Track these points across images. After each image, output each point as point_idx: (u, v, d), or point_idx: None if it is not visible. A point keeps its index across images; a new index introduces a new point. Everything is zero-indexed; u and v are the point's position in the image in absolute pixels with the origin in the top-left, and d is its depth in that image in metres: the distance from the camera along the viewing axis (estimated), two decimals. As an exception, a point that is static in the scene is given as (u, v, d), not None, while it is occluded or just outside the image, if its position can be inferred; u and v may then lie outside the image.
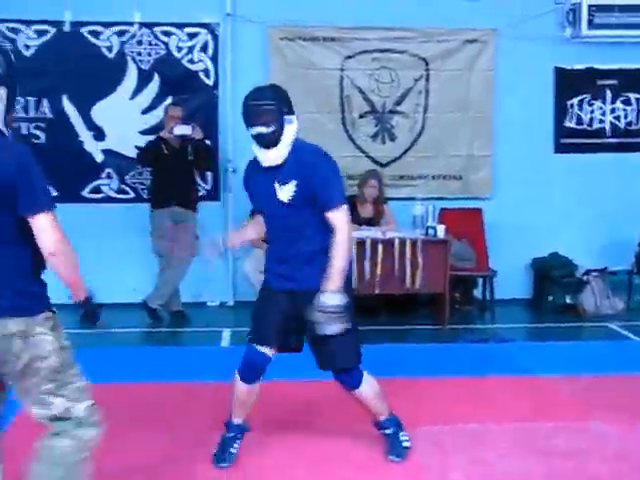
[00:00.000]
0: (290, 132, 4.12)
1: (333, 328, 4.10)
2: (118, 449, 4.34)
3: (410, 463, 4.56)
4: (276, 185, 4.14)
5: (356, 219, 8.11)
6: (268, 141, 4.07)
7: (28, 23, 8.39)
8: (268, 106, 4.08)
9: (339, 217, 4.12)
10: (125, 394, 5.63)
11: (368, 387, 4.52)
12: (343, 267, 4.11)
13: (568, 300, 8.70)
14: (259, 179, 4.27)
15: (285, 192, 4.12)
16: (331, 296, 4.05)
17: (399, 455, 4.60)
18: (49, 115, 8.49)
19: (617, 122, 9.27)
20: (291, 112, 4.16)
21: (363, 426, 4.71)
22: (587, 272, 8.75)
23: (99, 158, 8.59)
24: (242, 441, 4.58)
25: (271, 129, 4.05)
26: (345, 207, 4.17)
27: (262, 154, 4.15)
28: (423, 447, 4.75)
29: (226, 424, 4.60)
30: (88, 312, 3.45)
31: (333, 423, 5.08)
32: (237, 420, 4.59)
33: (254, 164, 4.29)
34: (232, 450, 4.55)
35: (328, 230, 4.13)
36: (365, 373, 4.52)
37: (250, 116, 4.10)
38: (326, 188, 4.11)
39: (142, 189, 8.62)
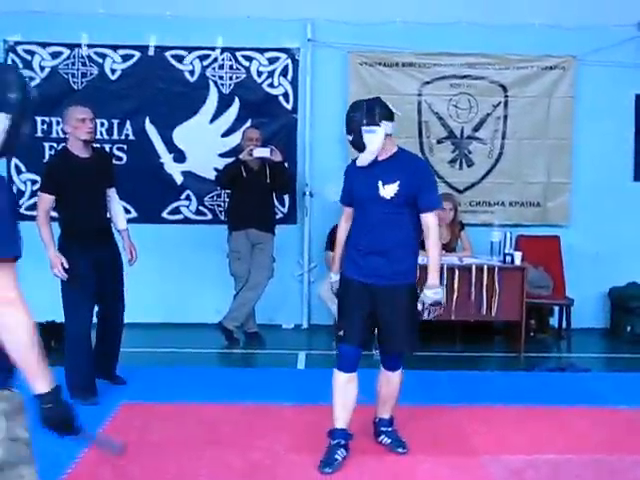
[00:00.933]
0: (374, 140, 4.66)
1: (431, 316, 4.79)
2: (192, 469, 4.37)
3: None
4: (380, 183, 4.70)
5: None
6: (353, 146, 4.77)
7: (115, 48, 8.58)
8: (351, 118, 4.72)
9: (433, 219, 4.75)
10: (201, 414, 5.68)
11: (401, 376, 5.07)
12: (439, 264, 4.80)
13: None
14: (361, 176, 4.86)
15: (388, 190, 4.68)
16: (434, 290, 4.74)
17: (405, 447, 5.07)
18: (131, 137, 8.64)
19: None
20: (373, 123, 4.66)
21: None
22: None
23: (179, 180, 8.71)
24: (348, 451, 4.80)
25: (351, 137, 4.72)
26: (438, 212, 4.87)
27: (359, 156, 4.82)
28: (504, 476, 4.76)
29: (330, 432, 4.82)
30: (52, 416, 2.44)
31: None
32: (340, 425, 4.81)
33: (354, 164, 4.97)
34: (337, 457, 4.75)
35: (416, 229, 4.78)
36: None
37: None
38: (428, 190, 4.77)
39: (220, 211, 8.72)
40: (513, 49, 8.79)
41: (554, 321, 8.82)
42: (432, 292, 4.73)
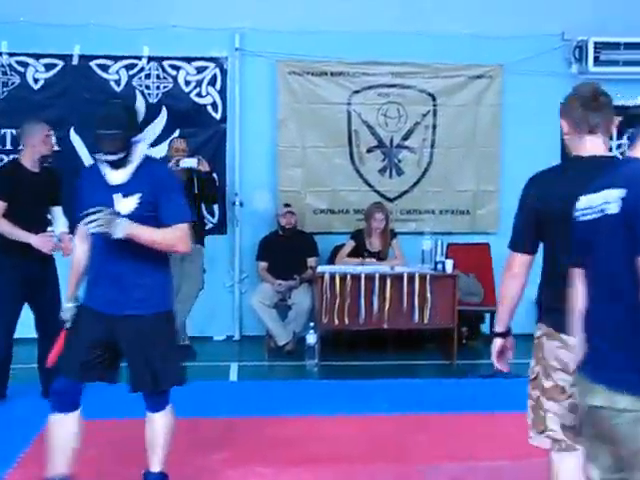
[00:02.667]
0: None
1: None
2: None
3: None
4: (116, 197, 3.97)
5: (363, 253, 8.13)
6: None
7: (37, 57, 8.39)
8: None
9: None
10: (133, 431, 5.51)
11: (168, 419, 4.22)
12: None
13: None
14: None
15: (126, 204, 3.95)
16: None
17: None
18: (56, 147, 8.37)
19: (622, 157, 9.16)
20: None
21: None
22: None
23: (106, 190, 8.49)
24: None
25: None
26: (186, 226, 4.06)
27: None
28: None
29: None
30: None
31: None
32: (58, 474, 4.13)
33: None
34: None
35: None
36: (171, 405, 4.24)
37: None
38: (169, 201, 4.02)
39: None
40: (441, 58, 8.80)
41: (486, 328, 8.79)
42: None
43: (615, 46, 8.82)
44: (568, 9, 8.79)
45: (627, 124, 9.14)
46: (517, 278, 3.57)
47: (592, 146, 3.42)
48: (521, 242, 3.57)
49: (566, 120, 3.48)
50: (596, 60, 8.80)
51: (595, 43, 8.76)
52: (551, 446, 3.58)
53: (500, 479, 4.86)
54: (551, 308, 3.40)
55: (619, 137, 9.15)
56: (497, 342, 3.78)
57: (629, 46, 8.84)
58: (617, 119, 3.60)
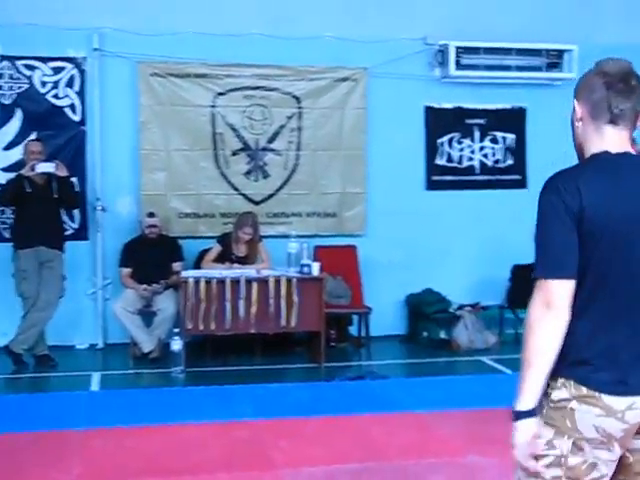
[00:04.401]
0: None
1: None
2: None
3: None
4: None
5: (229, 257, 8.04)
6: None
7: None
8: None
9: None
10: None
11: None
12: None
13: (442, 335, 8.73)
14: None
15: None
16: None
17: None
18: None
19: (485, 160, 9.48)
20: None
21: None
22: (460, 307, 8.85)
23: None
24: None
25: None
26: None
27: None
28: None
29: None
30: None
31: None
32: None
33: None
34: None
35: None
36: None
37: None
38: None
39: (4, 228, 8.23)
40: (305, 61, 8.83)
41: (354, 330, 8.89)
42: None
43: (475, 50, 9.05)
44: (430, 14, 9.00)
45: (489, 127, 9.47)
46: (561, 316, 2.47)
47: (614, 140, 2.59)
48: (564, 263, 2.49)
49: (581, 103, 2.62)
50: (457, 64, 9.01)
51: (456, 48, 8.96)
52: None
53: None
54: (583, 359, 2.52)
55: (481, 140, 9.41)
56: (529, 427, 2.52)
57: (488, 51, 9.08)
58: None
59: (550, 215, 2.50)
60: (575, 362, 2.50)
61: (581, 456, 2.50)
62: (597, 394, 2.46)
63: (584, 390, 2.48)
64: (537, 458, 2.52)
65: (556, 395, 2.52)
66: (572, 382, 2.50)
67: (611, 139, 2.57)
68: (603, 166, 2.54)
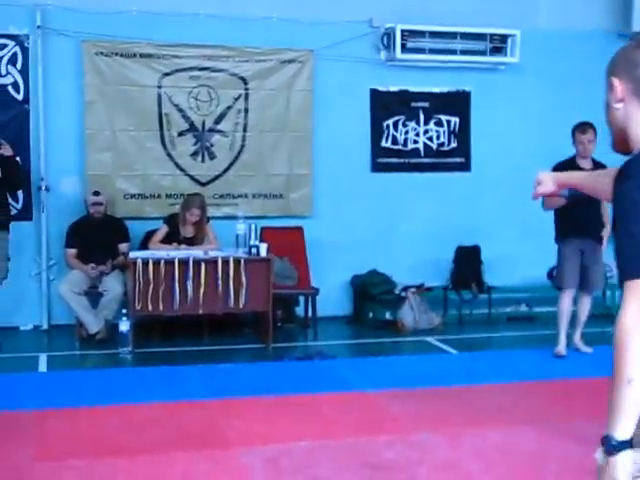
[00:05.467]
0: None
1: None
2: None
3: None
4: None
5: (177, 238, 8.01)
6: None
7: None
8: None
9: None
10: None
11: None
12: None
13: (388, 316, 8.81)
14: None
15: None
16: None
17: None
18: None
19: (430, 143, 9.55)
20: None
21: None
22: (405, 288, 8.89)
23: None
24: None
25: None
26: None
27: None
28: (259, 465, 4.76)
29: None
30: None
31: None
32: None
33: None
34: None
35: None
36: None
37: None
38: None
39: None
40: (252, 42, 8.82)
41: (300, 310, 8.94)
42: None
43: (421, 34, 9.09)
44: None
45: (434, 110, 9.55)
46: None
47: None
48: None
49: (623, 80, 2.29)
50: (403, 47, 9.06)
51: (402, 31, 8.99)
52: None
53: (315, 459, 4.86)
54: None
55: (426, 123, 9.48)
56: (630, 458, 2.11)
57: (433, 34, 9.14)
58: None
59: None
60: None
61: None
62: None
63: None
64: None
65: (616, 467, 2.09)
66: None
67: None
68: None
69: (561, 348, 7.33)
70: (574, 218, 7.09)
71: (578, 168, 6.54)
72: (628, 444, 2.06)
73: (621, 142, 2.32)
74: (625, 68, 2.27)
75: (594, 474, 2.12)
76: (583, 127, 7.15)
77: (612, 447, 2.05)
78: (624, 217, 2.12)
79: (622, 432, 2.05)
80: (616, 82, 2.27)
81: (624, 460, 2.06)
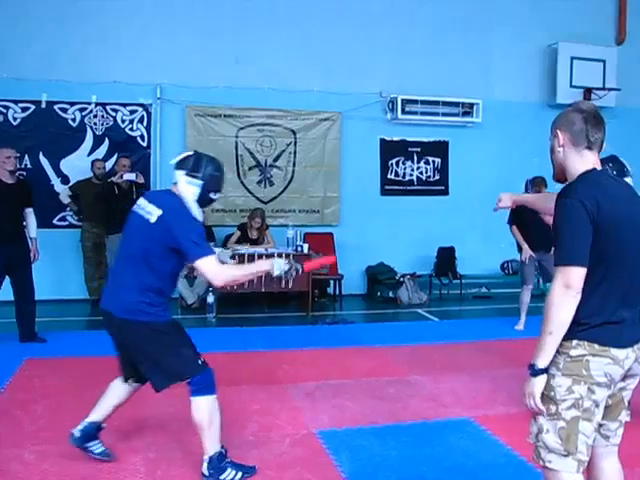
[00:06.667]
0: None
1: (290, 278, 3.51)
2: None
3: (290, 409, 4.41)
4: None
5: (246, 239, 8.04)
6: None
7: (15, 102, 8.12)
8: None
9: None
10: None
11: (201, 404, 3.30)
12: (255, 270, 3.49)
13: (390, 294, 8.72)
14: None
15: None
16: (283, 261, 3.42)
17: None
18: (29, 166, 8.18)
19: (421, 175, 9.41)
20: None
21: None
22: (403, 275, 8.81)
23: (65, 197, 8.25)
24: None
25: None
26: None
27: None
28: (300, 396, 4.70)
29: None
30: None
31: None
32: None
33: None
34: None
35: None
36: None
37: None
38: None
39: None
40: (299, 106, 8.79)
41: (330, 290, 8.87)
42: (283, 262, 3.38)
43: (415, 102, 9.03)
44: (384, 76, 9.01)
45: (424, 153, 9.43)
46: (577, 295, 2.30)
47: (593, 161, 2.42)
48: (582, 255, 2.29)
49: (564, 132, 2.42)
50: (403, 110, 9.00)
51: (402, 99, 8.97)
52: (576, 469, 2.39)
53: (339, 392, 4.81)
54: (597, 323, 2.34)
55: (418, 162, 9.38)
56: (543, 380, 2.39)
57: (424, 102, 9.07)
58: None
59: (574, 217, 2.29)
60: (590, 326, 2.33)
61: (591, 400, 2.35)
62: (607, 348, 2.33)
63: (596, 346, 2.33)
64: (557, 402, 2.36)
65: (573, 352, 2.34)
66: (586, 342, 2.33)
67: (590, 160, 2.40)
68: (598, 180, 2.36)
69: (521, 326, 6.94)
70: (529, 236, 6.75)
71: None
72: (543, 371, 2.35)
73: (560, 174, 2.47)
74: (566, 124, 2.42)
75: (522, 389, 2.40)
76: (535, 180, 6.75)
77: (535, 371, 2.35)
78: (560, 221, 2.31)
79: (541, 363, 2.34)
80: (559, 133, 2.43)
81: (540, 381, 2.36)
